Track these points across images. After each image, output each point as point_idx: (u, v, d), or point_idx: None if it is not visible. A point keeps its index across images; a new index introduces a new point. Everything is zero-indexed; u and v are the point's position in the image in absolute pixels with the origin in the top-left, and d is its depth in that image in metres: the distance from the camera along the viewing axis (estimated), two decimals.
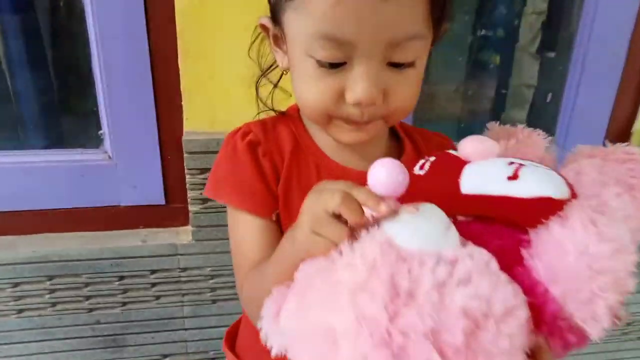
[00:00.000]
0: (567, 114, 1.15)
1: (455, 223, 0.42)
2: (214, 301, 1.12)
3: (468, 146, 0.43)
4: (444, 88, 1.29)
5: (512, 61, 1.24)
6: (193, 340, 1.16)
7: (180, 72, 0.91)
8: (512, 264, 0.37)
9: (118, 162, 0.98)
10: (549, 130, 1.23)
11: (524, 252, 0.37)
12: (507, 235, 0.39)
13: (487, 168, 0.40)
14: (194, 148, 0.94)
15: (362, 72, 0.47)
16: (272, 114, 0.64)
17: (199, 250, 1.05)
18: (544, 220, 0.36)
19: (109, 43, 0.88)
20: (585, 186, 0.44)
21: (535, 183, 0.36)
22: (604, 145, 0.53)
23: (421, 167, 0.44)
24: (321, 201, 0.39)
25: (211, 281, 1.10)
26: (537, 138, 0.58)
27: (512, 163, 0.39)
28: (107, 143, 0.97)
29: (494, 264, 0.34)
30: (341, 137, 0.55)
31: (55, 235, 1.02)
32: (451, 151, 0.45)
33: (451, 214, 0.43)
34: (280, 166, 0.59)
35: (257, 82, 0.63)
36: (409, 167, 0.46)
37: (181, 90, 0.93)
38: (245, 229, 0.59)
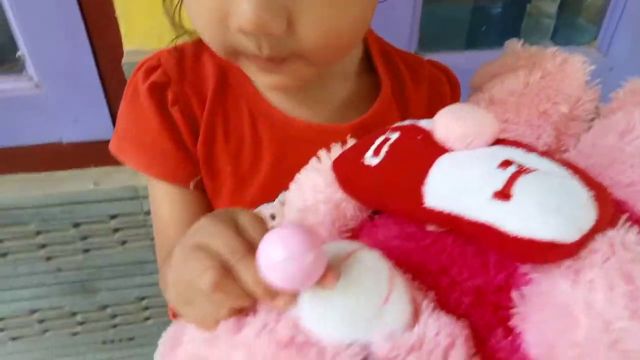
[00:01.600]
0: (618, 10, 0.95)
1: (421, 235, 0.30)
2: None
3: (443, 126, 0.29)
4: None
5: None
6: None
7: None
8: (492, 322, 0.26)
9: (49, 91, 0.86)
10: (589, 31, 1.06)
11: (516, 297, 0.26)
12: (493, 264, 0.28)
13: (466, 170, 0.27)
14: None
15: None
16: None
17: None
18: (544, 264, 0.24)
19: None
20: (632, 169, 0.31)
21: (535, 213, 0.23)
22: None
23: (376, 152, 0.31)
24: (189, 270, 0.27)
25: None
26: (575, 67, 0.43)
27: (506, 163, 0.26)
28: (30, 68, 0.84)
29: (456, 353, 0.23)
30: (257, 80, 0.42)
31: None
32: (425, 123, 0.32)
33: (416, 223, 0.31)
34: (199, 115, 0.46)
35: None
36: (363, 146, 0.34)
37: None
38: (161, 200, 0.49)
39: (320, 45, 0.37)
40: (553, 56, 0.44)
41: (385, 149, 0.31)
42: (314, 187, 0.36)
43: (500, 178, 0.25)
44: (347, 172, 0.34)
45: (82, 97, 0.88)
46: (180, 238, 0.48)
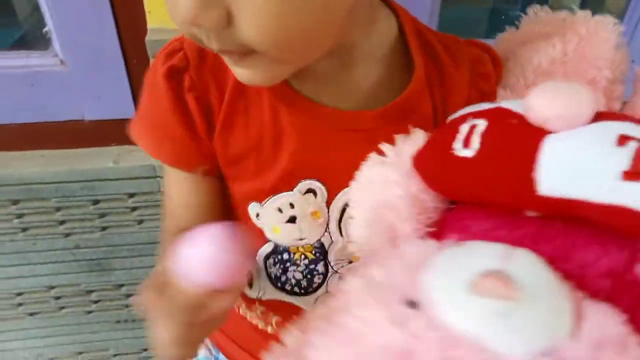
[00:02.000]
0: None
1: (523, 222, 0.30)
2: None
3: (540, 107, 0.28)
4: None
5: None
6: None
7: None
8: (636, 303, 0.25)
9: (73, 68, 0.84)
10: (612, 13, 1.05)
11: None
12: (613, 242, 0.26)
13: (581, 152, 0.26)
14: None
15: None
16: None
17: None
18: None
19: None
20: None
21: None
22: None
23: (466, 143, 0.30)
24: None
25: None
26: (607, 30, 0.42)
27: (623, 139, 0.25)
28: (56, 44, 0.82)
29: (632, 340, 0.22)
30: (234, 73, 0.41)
31: (12, 154, 0.93)
32: (511, 105, 0.31)
33: (518, 209, 0.30)
34: (215, 103, 0.45)
35: None
36: (445, 137, 0.32)
37: None
38: (171, 182, 0.49)
39: (265, 42, 0.34)
40: (586, 21, 0.43)
41: (476, 138, 0.30)
42: (386, 182, 0.35)
43: (623, 156, 0.25)
44: (434, 167, 0.33)
45: (105, 74, 0.86)
46: (187, 223, 0.48)
